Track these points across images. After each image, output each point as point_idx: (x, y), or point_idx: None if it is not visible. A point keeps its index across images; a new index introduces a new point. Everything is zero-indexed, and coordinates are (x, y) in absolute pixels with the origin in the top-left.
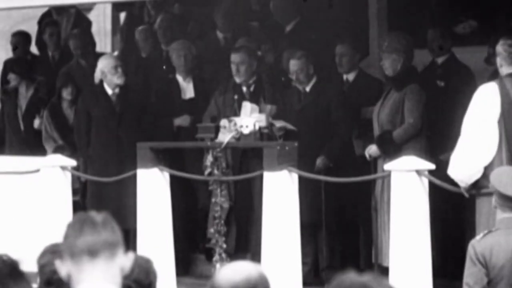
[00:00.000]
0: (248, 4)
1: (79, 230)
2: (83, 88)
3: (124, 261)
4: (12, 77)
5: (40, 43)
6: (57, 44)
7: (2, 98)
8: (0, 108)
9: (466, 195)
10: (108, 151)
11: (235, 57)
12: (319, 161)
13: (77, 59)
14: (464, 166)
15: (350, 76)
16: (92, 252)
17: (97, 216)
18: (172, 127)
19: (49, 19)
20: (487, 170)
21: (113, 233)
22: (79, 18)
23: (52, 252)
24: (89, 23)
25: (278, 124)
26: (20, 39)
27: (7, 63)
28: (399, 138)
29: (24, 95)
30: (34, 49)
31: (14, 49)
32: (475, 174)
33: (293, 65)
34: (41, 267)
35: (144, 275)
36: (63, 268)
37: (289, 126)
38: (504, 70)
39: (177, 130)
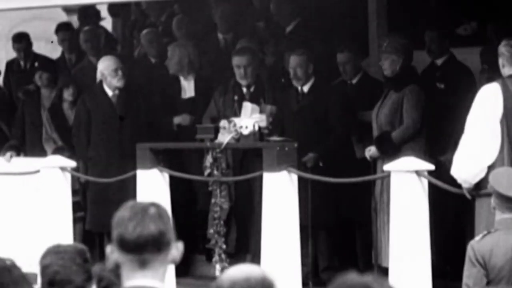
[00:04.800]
0: (248, 4)
1: (129, 220)
2: (86, 88)
3: (173, 253)
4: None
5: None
6: (71, 47)
7: (23, 99)
8: (20, 108)
9: (468, 196)
10: (110, 152)
11: (241, 60)
12: (309, 158)
13: (88, 58)
14: (468, 166)
15: (354, 79)
16: (141, 246)
17: (150, 207)
18: (172, 127)
19: (61, 23)
20: (489, 170)
21: (164, 226)
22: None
23: (55, 253)
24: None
25: (273, 139)
26: (23, 42)
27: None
28: (398, 139)
29: (47, 95)
30: (34, 49)
31: None
32: (479, 173)
33: (293, 60)
34: (43, 267)
35: None
36: (112, 256)
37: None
38: (506, 70)
39: (178, 131)
